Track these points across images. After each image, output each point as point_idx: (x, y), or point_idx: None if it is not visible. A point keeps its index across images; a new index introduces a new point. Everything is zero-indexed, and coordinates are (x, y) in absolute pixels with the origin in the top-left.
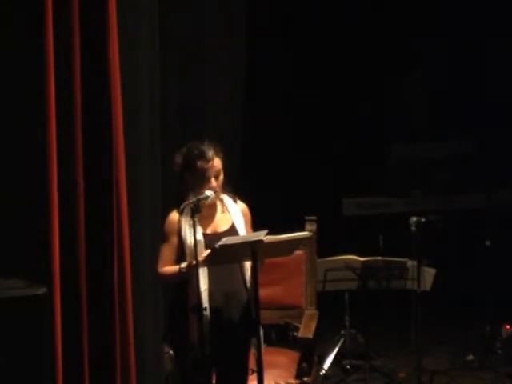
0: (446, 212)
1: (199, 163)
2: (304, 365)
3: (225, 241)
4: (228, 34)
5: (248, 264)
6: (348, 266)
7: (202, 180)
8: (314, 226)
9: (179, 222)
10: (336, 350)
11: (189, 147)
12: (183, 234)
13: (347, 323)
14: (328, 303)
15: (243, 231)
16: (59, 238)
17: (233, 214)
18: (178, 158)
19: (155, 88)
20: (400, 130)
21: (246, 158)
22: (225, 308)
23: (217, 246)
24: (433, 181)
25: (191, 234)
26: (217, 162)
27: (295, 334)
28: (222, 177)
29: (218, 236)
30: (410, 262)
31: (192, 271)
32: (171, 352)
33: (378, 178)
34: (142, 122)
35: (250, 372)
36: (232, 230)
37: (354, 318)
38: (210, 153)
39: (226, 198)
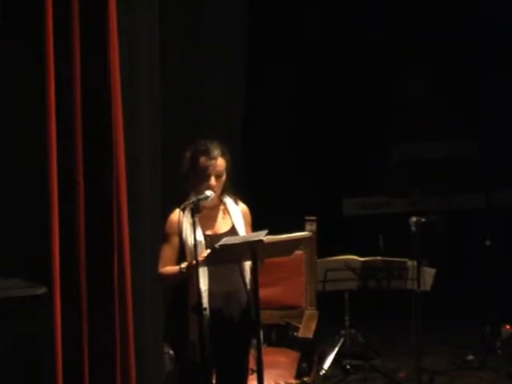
0: (446, 212)
1: (202, 159)
2: (304, 365)
3: (225, 241)
4: (228, 33)
5: (248, 264)
6: (348, 265)
7: (202, 177)
8: (313, 226)
9: (180, 222)
10: (336, 350)
11: (197, 143)
12: (184, 234)
13: (347, 323)
14: (328, 303)
15: (243, 232)
16: (59, 238)
17: (233, 216)
18: (187, 153)
19: (155, 88)
20: (400, 129)
21: (246, 158)
22: (225, 308)
23: (217, 246)
24: (433, 181)
25: (191, 233)
26: (220, 162)
27: (295, 334)
28: (223, 178)
29: (219, 237)
30: (410, 262)
31: (192, 271)
32: (171, 352)
33: (378, 178)
34: (142, 122)
35: (250, 372)
36: (232, 231)
37: (354, 318)
38: (216, 151)
39: (228, 200)
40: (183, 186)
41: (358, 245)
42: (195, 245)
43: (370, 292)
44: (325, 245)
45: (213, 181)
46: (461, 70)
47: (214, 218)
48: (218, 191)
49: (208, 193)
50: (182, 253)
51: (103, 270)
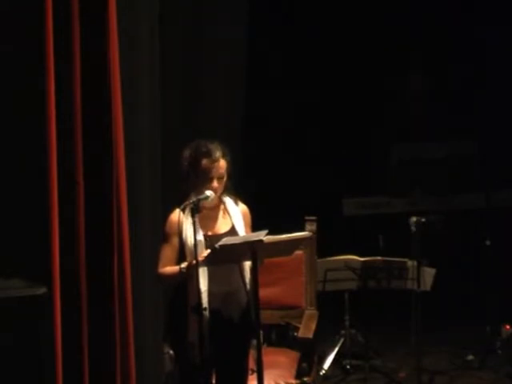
0: (446, 212)
1: (204, 161)
2: (304, 365)
3: (225, 241)
4: (228, 33)
5: (248, 264)
6: (348, 266)
7: (204, 179)
8: (314, 226)
9: (180, 222)
10: (336, 350)
11: (197, 143)
12: (184, 234)
13: (347, 323)
14: (328, 303)
15: (243, 233)
16: (59, 238)
17: (233, 216)
18: (186, 153)
19: (155, 88)
20: (400, 129)
21: (246, 158)
22: (224, 308)
23: (217, 246)
24: (433, 181)
25: (192, 233)
26: (222, 164)
27: (295, 334)
28: (224, 179)
29: (219, 237)
30: (410, 262)
31: (192, 271)
32: (171, 352)
33: (378, 178)
34: (142, 122)
35: (249, 372)
36: (232, 232)
37: (354, 318)
38: (218, 153)
39: (228, 200)
40: (183, 186)
41: (358, 245)
42: (195, 245)
43: (370, 292)
44: (325, 245)
45: (215, 183)
46: (461, 70)
47: (213, 219)
48: (219, 192)
49: (208, 193)
50: (181, 253)
51: (103, 270)
